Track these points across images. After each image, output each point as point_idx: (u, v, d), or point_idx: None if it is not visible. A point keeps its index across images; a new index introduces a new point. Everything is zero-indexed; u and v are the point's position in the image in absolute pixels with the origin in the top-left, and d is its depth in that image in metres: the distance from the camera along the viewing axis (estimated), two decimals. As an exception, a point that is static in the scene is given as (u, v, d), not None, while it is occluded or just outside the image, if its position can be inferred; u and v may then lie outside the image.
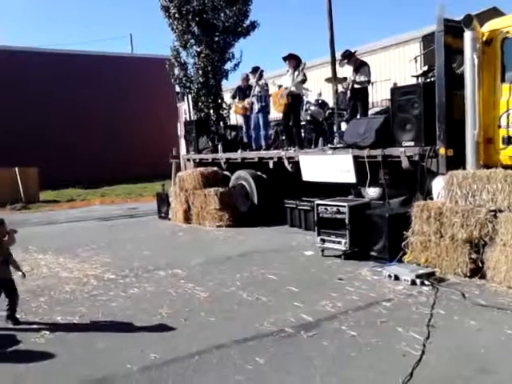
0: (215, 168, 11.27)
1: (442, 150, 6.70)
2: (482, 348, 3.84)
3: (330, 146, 9.17)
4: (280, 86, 10.23)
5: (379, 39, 25.46)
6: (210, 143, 12.20)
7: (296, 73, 9.54)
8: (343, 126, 9.75)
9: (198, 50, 17.43)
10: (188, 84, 17.82)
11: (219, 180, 10.99)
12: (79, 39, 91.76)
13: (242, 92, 11.52)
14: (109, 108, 27.25)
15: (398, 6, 78.31)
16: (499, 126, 6.37)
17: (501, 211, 5.43)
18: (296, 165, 9.29)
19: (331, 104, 11.67)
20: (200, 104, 17.70)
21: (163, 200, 12.13)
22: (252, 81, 11.23)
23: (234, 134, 12.82)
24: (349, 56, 9.32)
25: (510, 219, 5.24)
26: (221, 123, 16.98)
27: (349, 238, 6.80)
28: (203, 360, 3.88)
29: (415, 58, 11.47)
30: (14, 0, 76.15)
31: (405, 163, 7.18)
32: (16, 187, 17.89)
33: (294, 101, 9.72)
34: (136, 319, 4.89)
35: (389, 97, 7.95)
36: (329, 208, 7.09)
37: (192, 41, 17.50)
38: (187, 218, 10.96)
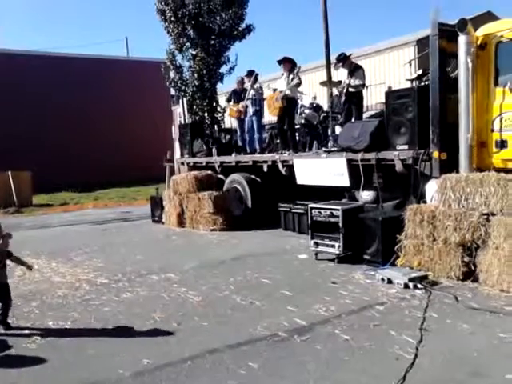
0: (209, 171, 11.26)
1: (435, 154, 6.72)
2: (475, 351, 3.84)
3: (324, 149, 9.17)
4: (275, 90, 10.24)
5: (374, 43, 25.59)
6: (204, 146, 12.17)
7: (291, 76, 9.55)
8: (338, 129, 9.75)
9: (194, 53, 17.41)
10: (183, 87, 17.80)
11: (213, 183, 10.97)
12: (77, 42, 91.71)
13: (237, 95, 11.53)
14: (104, 111, 27.17)
15: (392, 10, 78.73)
16: (492, 130, 6.40)
17: (493, 214, 5.44)
18: (290, 168, 9.30)
19: (326, 107, 11.66)
20: (195, 107, 17.68)
21: (157, 204, 12.10)
22: (247, 84, 11.24)
23: (228, 137, 12.82)
24: (343, 59, 9.33)
25: (503, 223, 5.25)
26: (215, 126, 16.96)
27: (342, 241, 6.79)
28: (196, 365, 3.86)
29: (409, 62, 11.46)
30: (13, 3, 76.14)
31: (398, 167, 7.19)
32: (9, 191, 17.81)
33: (289, 104, 9.72)
34: (129, 324, 4.87)
35: (383, 100, 7.97)
36: (322, 211, 7.10)
37: (188, 44, 17.49)
38: (181, 222, 10.94)
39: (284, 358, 3.92)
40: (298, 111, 10.85)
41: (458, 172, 6.27)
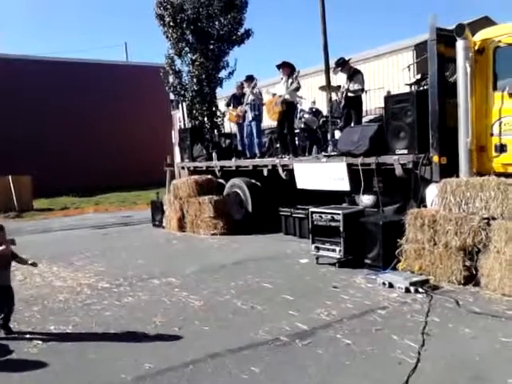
0: (209, 176, 11.27)
1: (435, 158, 6.74)
2: (477, 356, 3.84)
3: (324, 153, 9.19)
4: (274, 95, 10.27)
5: (373, 47, 25.66)
6: (204, 151, 12.20)
7: (290, 80, 9.58)
8: (337, 133, 9.78)
9: (193, 57, 17.44)
10: (182, 92, 17.83)
11: (213, 188, 10.98)
12: (76, 47, 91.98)
13: (237, 100, 11.56)
14: (103, 116, 27.21)
15: (391, 15, 78.95)
16: (492, 134, 6.42)
17: (494, 219, 5.46)
18: (290, 173, 9.31)
19: (325, 112, 11.71)
20: (194, 112, 17.71)
21: (157, 208, 12.11)
22: (246, 89, 11.27)
23: (228, 141, 12.84)
24: (343, 64, 9.36)
25: (504, 227, 5.26)
26: (215, 131, 16.99)
27: (343, 245, 6.80)
28: (198, 369, 3.86)
29: (408, 67, 11.56)
30: (13, 9, 76.32)
31: (398, 171, 7.21)
32: (9, 195, 17.80)
33: (288, 108, 9.74)
34: (130, 328, 4.86)
35: (382, 105, 8.00)
36: (323, 216, 7.10)
37: (186, 49, 17.52)
38: (181, 226, 10.94)
39: (285, 362, 3.92)
40: (298, 116, 10.89)
41: (458, 176, 6.28)
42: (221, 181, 11.36)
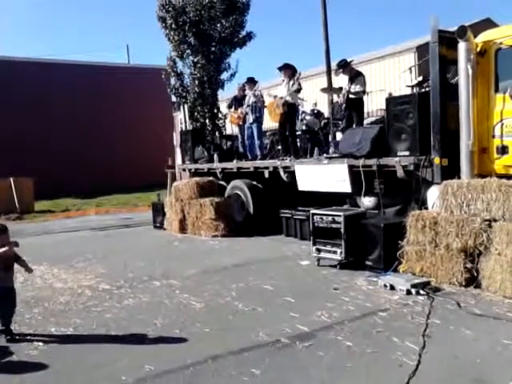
0: (211, 178, 11.28)
1: (436, 160, 6.73)
2: (478, 358, 3.83)
3: (325, 155, 9.18)
4: (275, 97, 10.28)
5: (375, 49, 25.67)
6: (205, 153, 12.22)
7: (291, 82, 9.60)
8: (338, 135, 9.78)
9: (195, 60, 17.47)
10: (184, 94, 17.85)
11: (215, 190, 10.99)
12: (78, 49, 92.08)
13: (238, 102, 11.58)
14: (104, 117, 27.23)
15: (393, 17, 78.98)
16: (493, 136, 6.42)
17: (495, 220, 5.45)
18: (291, 174, 9.31)
19: (327, 114, 11.71)
20: (196, 114, 17.72)
21: (158, 210, 12.11)
22: (248, 91, 11.28)
23: (229, 143, 12.86)
24: (344, 66, 9.36)
25: (505, 229, 5.25)
26: (216, 133, 17.00)
27: (344, 247, 6.79)
28: (198, 371, 3.86)
29: (410, 69, 11.53)
30: (13, 10, 76.55)
31: (400, 173, 7.20)
32: (11, 197, 17.82)
33: (290, 110, 9.75)
34: (131, 330, 4.86)
35: (384, 107, 8.00)
36: (324, 217, 7.10)
37: (188, 51, 17.55)
38: (182, 228, 10.94)
39: (286, 364, 3.91)
40: (299, 118, 10.88)
41: (459, 178, 6.27)
42: (222, 183, 11.37)
